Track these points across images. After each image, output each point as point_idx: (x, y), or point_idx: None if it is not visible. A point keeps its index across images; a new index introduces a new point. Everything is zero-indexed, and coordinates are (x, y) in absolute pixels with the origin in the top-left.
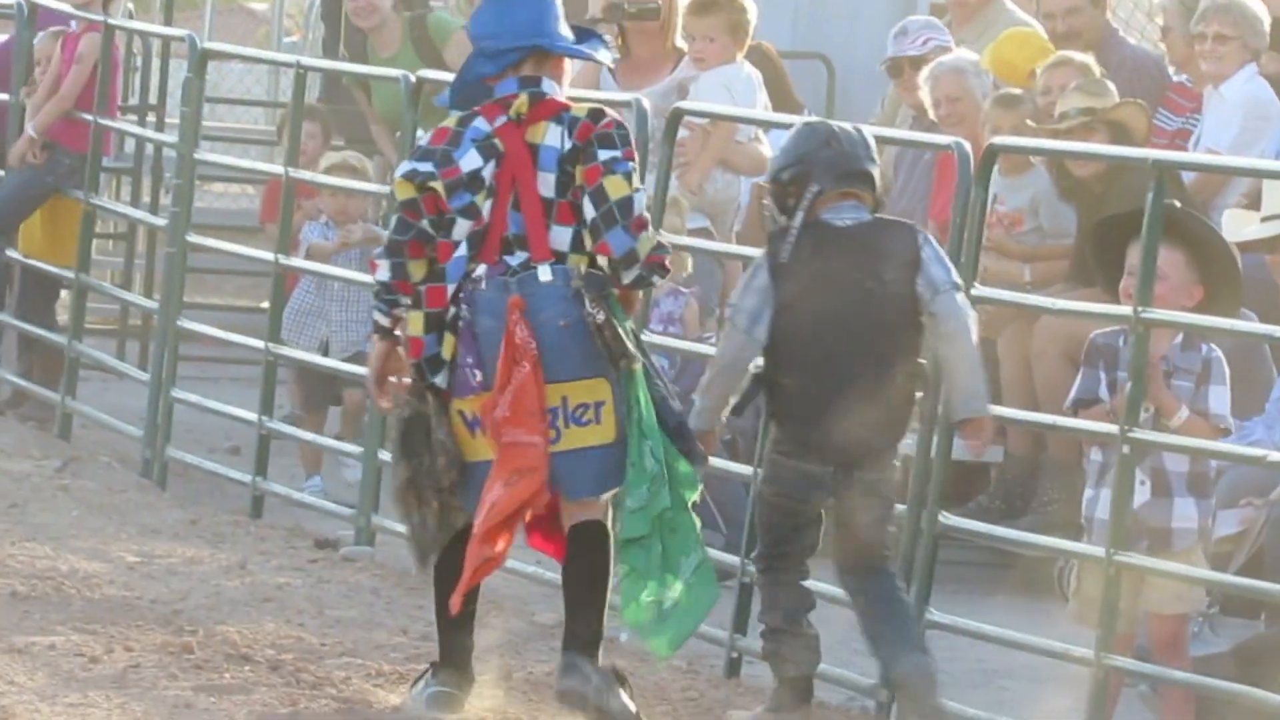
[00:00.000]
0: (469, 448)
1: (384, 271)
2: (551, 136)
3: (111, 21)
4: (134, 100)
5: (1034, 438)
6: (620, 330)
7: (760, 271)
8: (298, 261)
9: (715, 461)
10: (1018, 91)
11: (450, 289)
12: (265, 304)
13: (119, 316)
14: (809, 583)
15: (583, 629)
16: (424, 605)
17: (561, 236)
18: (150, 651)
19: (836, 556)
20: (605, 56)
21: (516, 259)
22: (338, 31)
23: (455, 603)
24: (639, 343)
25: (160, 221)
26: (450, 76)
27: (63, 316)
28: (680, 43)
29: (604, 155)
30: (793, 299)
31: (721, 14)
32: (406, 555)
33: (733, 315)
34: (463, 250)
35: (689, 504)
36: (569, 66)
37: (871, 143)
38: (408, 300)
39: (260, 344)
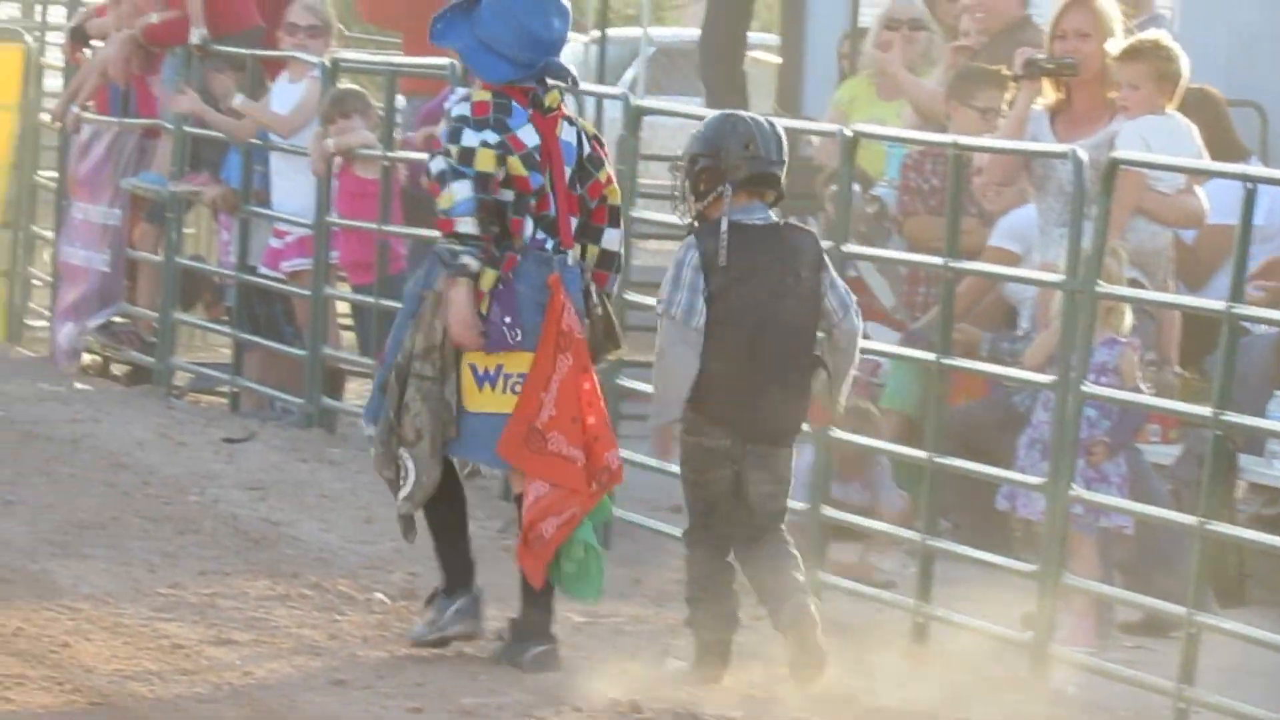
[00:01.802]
0: (473, 399)
1: (471, 226)
2: (568, 134)
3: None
4: None
5: None
6: (615, 325)
7: (686, 268)
8: None
9: (1158, 511)
10: None
11: (517, 259)
12: None
13: None
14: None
15: None
16: (871, 660)
17: (573, 224)
18: (599, 712)
19: (734, 531)
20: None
21: (548, 241)
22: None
23: (538, 580)
24: None
25: None
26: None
27: None
28: None
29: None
30: (721, 291)
31: (1147, 61)
32: (850, 609)
33: (667, 308)
34: (530, 228)
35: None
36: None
37: (784, 143)
38: (485, 247)
39: None
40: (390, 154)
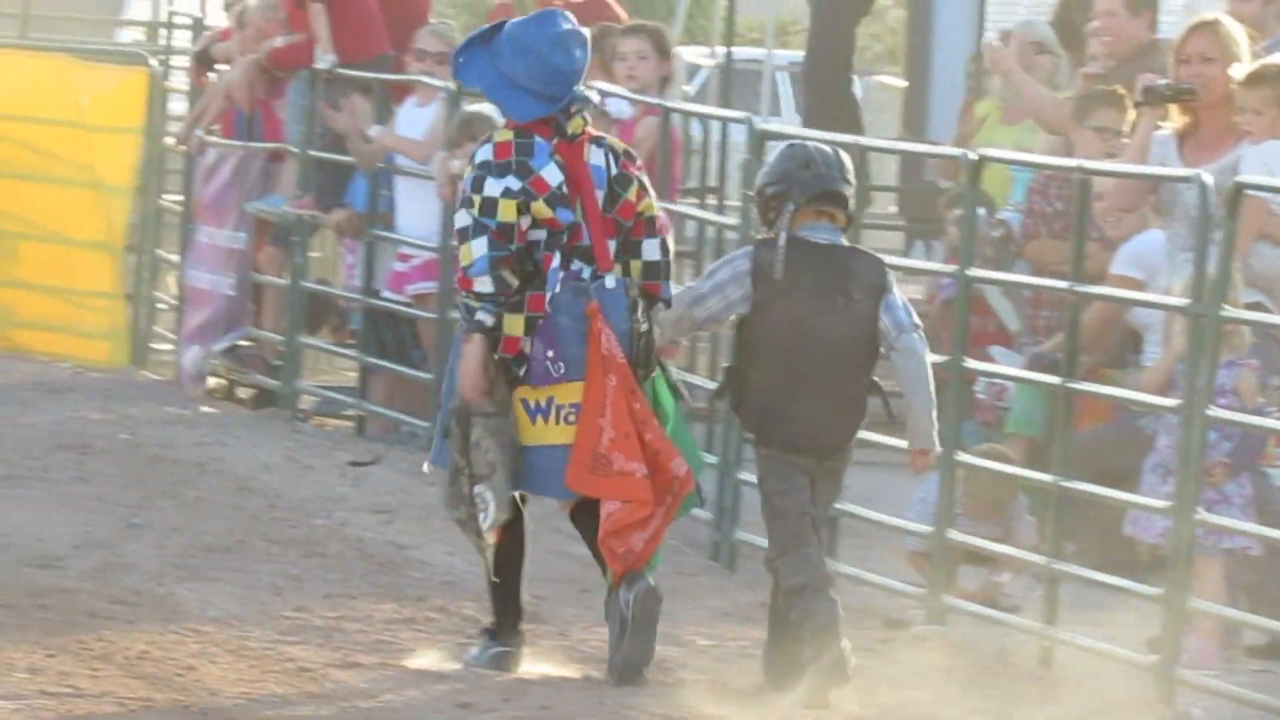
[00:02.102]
0: (528, 433)
1: (486, 285)
2: (596, 158)
3: (669, 105)
4: (693, 183)
5: None
6: (653, 348)
7: (726, 268)
8: None
9: (1272, 533)
10: None
11: (548, 296)
12: None
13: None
14: None
15: None
16: (997, 684)
17: (610, 247)
18: None
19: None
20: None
21: (584, 269)
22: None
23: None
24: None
25: None
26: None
27: None
28: None
29: (658, 209)
30: (768, 301)
31: (1271, 86)
32: (976, 634)
33: (683, 292)
34: (557, 260)
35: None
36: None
37: (848, 165)
38: (504, 300)
39: None
40: None
